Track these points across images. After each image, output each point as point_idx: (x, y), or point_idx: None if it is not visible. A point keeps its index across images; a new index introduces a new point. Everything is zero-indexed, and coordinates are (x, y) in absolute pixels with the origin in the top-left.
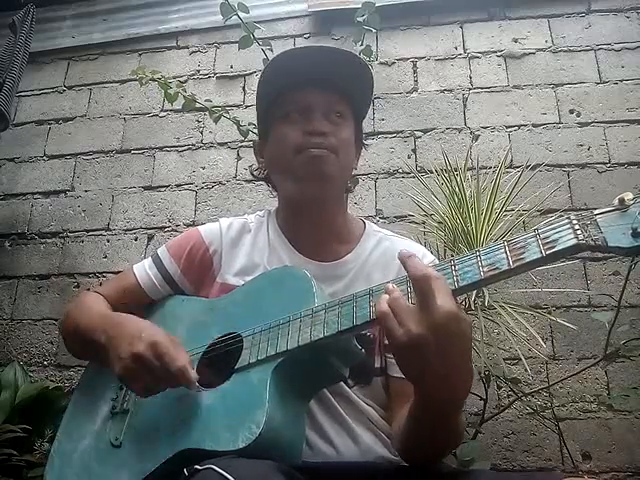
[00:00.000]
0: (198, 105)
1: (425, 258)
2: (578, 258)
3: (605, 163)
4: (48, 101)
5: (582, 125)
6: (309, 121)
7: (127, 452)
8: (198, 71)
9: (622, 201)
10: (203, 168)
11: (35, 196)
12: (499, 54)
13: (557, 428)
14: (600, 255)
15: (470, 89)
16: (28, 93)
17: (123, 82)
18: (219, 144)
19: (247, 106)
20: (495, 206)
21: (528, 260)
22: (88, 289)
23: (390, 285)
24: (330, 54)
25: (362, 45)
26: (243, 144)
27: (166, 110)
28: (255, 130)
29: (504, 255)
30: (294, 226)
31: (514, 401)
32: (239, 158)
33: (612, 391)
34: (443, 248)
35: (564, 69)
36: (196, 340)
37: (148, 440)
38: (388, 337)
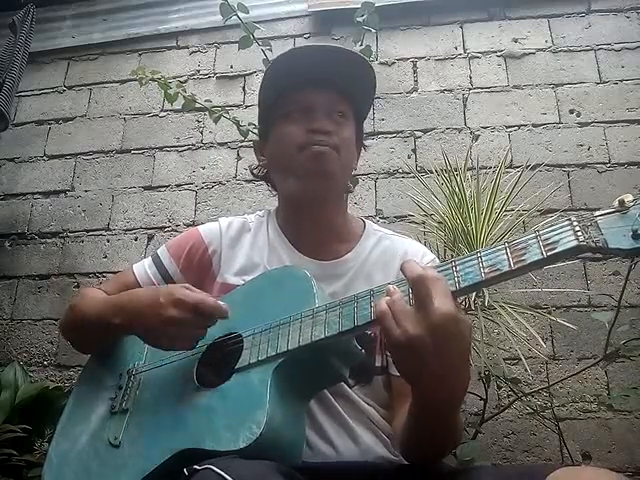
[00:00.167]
0: (198, 105)
1: (425, 257)
2: (578, 258)
3: (605, 163)
4: (48, 101)
5: (582, 125)
6: (312, 120)
7: (126, 452)
8: (198, 71)
9: (622, 203)
10: (203, 168)
11: (35, 196)
12: (499, 54)
13: (557, 428)
14: (600, 255)
15: (470, 89)
16: (28, 93)
17: (123, 82)
18: (219, 144)
19: (247, 106)
20: (495, 206)
21: (529, 261)
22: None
23: (391, 286)
24: (333, 54)
25: (362, 45)
26: (243, 144)
27: (166, 110)
28: (255, 130)
29: (505, 256)
30: (294, 225)
31: (514, 401)
32: (239, 158)
33: (612, 391)
34: (443, 248)
35: (564, 69)
36: None
37: (148, 440)
38: (386, 337)
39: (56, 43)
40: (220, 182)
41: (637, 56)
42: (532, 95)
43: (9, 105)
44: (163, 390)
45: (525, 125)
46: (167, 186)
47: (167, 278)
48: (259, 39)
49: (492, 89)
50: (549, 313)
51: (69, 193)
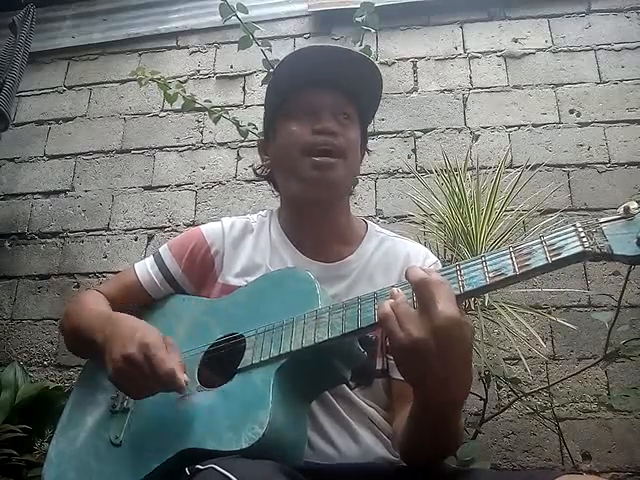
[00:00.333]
0: (197, 105)
1: (428, 259)
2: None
3: (605, 163)
4: (48, 101)
5: (582, 125)
6: (317, 120)
7: (127, 451)
8: (198, 71)
9: (627, 210)
10: (203, 168)
11: (35, 196)
12: (499, 54)
13: (557, 428)
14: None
15: (470, 89)
16: (28, 93)
17: (123, 82)
18: (219, 144)
19: (247, 106)
20: (495, 206)
21: (534, 266)
22: (88, 289)
23: (395, 289)
24: (341, 55)
25: (361, 45)
26: (243, 144)
27: (166, 110)
28: (255, 130)
29: (510, 261)
30: (296, 226)
31: (514, 401)
32: (239, 158)
33: (612, 391)
34: (443, 248)
35: (564, 69)
36: (197, 340)
37: (149, 439)
38: (389, 340)
39: (56, 43)
40: (220, 182)
41: (637, 56)
42: (532, 95)
43: (10, 105)
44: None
45: (525, 125)
46: (167, 186)
47: (169, 278)
48: (259, 39)
49: (492, 89)
50: (549, 313)
51: (69, 193)
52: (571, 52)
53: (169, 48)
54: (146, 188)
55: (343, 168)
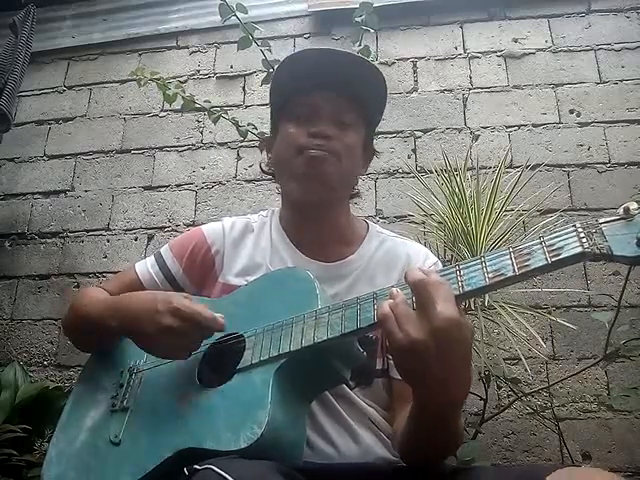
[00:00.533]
0: (197, 106)
1: (428, 260)
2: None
3: (605, 163)
4: (48, 101)
5: (582, 125)
6: (314, 123)
7: (127, 450)
8: (198, 71)
9: (627, 210)
10: (203, 168)
11: (35, 196)
12: (499, 54)
13: (557, 428)
14: (604, 262)
15: (470, 89)
16: (28, 93)
17: (123, 82)
18: (219, 144)
19: (247, 106)
20: (495, 206)
21: (533, 267)
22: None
23: (394, 289)
24: (344, 59)
25: (360, 45)
26: (243, 144)
27: (166, 110)
28: (254, 130)
29: (509, 261)
30: (297, 226)
31: (514, 401)
32: (239, 158)
33: (612, 391)
34: (443, 248)
35: (564, 69)
36: None
37: (148, 438)
38: (388, 340)
39: (56, 43)
40: (220, 182)
41: (637, 56)
42: (532, 95)
43: (11, 106)
44: (164, 389)
45: (525, 125)
46: (167, 186)
47: (169, 278)
48: (259, 39)
49: (492, 89)
50: (549, 313)
51: (69, 193)
52: (571, 52)
53: (169, 48)
54: (146, 188)
55: (336, 166)
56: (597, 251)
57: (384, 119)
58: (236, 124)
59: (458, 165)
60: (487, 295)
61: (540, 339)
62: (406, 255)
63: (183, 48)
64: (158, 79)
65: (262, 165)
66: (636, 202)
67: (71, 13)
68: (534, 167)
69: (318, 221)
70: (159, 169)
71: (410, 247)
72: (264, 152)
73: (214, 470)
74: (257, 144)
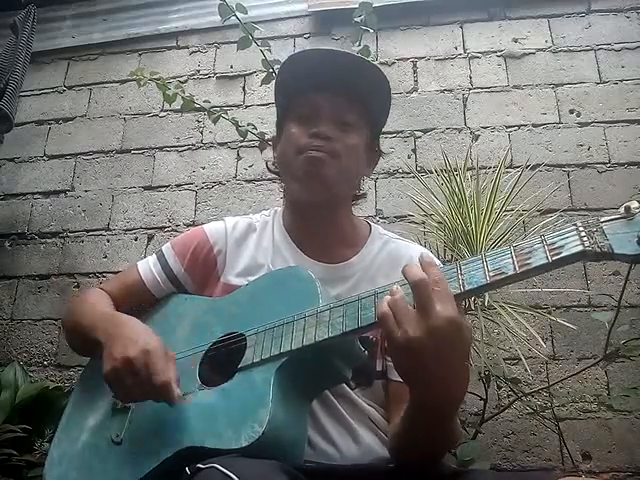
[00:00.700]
0: (196, 106)
1: None
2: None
3: (605, 163)
4: (48, 101)
5: (582, 125)
6: (315, 124)
7: (128, 449)
8: (198, 71)
9: (628, 209)
10: (203, 168)
11: (35, 196)
12: (499, 54)
13: (557, 428)
14: (605, 260)
15: (470, 89)
16: (28, 93)
17: (123, 82)
18: (219, 144)
19: (247, 106)
20: (495, 206)
21: (534, 265)
22: (90, 289)
23: (395, 287)
24: (347, 59)
25: (360, 45)
26: (243, 144)
27: (166, 110)
28: (254, 130)
29: (510, 260)
30: (300, 227)
31: (514, 401)
32: (239, 158)
33: (612, 391)
34: (443, 248)
35: (564, 69)
36: (199, 339)
37: (150, 437)
38: (387, 338)
39: (56, 43)
40: (220, 182)
41: (637, 56)
42: (532, 95)
43: (13, 107)
44: None
45: (525, 125)
46: (167, 186)
47: (171, 277)
48: (259, 39)
49: (492, 89)
50: (549, 313)
51: (69, 193)
52: (571, 52)
53: (169, 48)
54: (146, 188)
55: (335, 167)
56: (598, 250)
57: None
58: (236, 124)
59: (458, 165)
60: (487, 295)
61: (540, 339)
62: (409, 258)
63: (183, 48)
64: (158, 79)
65: (268, 164)
66: (637, 201)
67: (71, 13)
68: (534, 167)
69: (320, 222)
70: (159, 169)
71: (413, 249)
72: (265, 152)
73: (218, 469)
74: (257, 144)
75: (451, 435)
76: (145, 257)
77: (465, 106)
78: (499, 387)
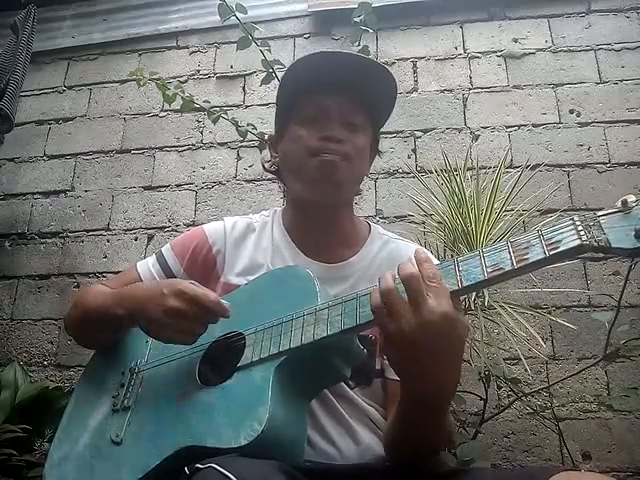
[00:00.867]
0: (196, 106)
1: None
2: (578, 258)
3: (605, 163)
4: (48, 101)
5: (582, 125)
6: (325, 127)
7: (128, 449)
8: (198, 71)
9: (625, 203)
10: (203, 168)
11: (35, 196)
12: (499, 54)
13: (557, 428)
14: (600, 255)
15: (470, 89)
16: (28, 93)
17: (123, 82)
18: (219, 144)
19: (247, 106)
20: (495, 206)
21: (532, 260)
22: None
23: (387, 273)
24: (355, 60)
25: (359, 45)
26: (243, 144)
27: (166, 110)
28: (254, 130)
29: (508, 255)
30: (300, 227)
31: (514, 401)
32: (239, 158)
33: (612, 391)
34: (443, 248)
35: (564, 69)
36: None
37: (149, 437)
38: (381, 330)
39: (56, 43)
40: (220, 182)
41: (637, 56)
42: (532, 95)
43: (13, 107)
44: (165, 388)
45: (525, 125)
46: (167, 186)
47: (171, 277)
48: (259, 39)
49: (492, 89)
50: (549, 313)
51: (69, 193)
52: (571, 52)
53: (169, 48)
54: (146, 188)
55: (348, 170)
56: (595, 244)
57: None
58: (236, 124)
59: (458, 165)
60: (487, 295)
61: (540, 339)
62: (408, 258)
63: (183, 48)
64: (158, 79)
65: (264, 163)
66: (634, 195)
67: (71, 13)
68: (534, 167)
69: (323, 222)
70: (159, 169)
71: (412, 250)
72: (264, 151)
73: (216, 469)
74: (257, 144)
75: (443, 430)
76: (145, 257)
77: (465, 106)
78: (499, 387)
